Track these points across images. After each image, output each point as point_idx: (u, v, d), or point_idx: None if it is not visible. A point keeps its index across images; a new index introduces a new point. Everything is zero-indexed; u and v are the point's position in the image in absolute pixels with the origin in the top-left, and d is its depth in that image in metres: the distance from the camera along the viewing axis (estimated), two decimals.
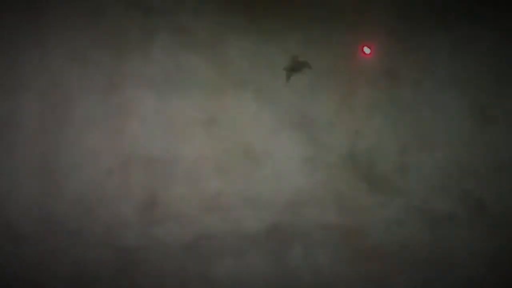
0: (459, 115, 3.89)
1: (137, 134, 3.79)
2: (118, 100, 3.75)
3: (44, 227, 3.66)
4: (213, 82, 3.86)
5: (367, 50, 3.80)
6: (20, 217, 3.63)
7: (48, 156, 3.72)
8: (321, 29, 3.92)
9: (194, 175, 3.80)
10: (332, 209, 3.80)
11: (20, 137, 3.71)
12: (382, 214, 3.84)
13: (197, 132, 3.83)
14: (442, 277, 3.91)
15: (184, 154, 3.83)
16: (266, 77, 3.84)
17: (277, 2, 3.91)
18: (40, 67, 3.74)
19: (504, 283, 3.99)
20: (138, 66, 3.77)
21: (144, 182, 3.77)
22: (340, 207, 3.82)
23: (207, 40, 3.88)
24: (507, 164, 3.98)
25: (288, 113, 3.80)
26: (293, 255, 3.77)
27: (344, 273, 3.82)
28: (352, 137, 3.82)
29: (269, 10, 3.89)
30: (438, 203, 3.87)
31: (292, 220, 3.72)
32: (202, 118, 3.83)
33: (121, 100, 3.75)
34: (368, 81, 3.83)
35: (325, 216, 3.78)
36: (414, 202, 3.83)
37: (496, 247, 3.95)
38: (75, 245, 3.64)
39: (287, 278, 3.79)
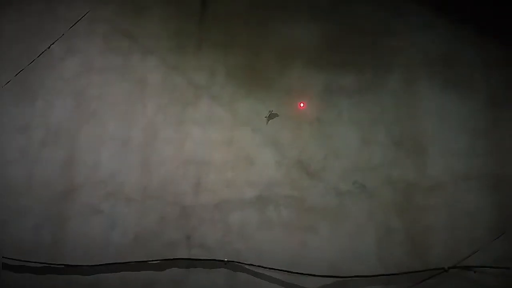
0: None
1: None
2: None
3: None
4: None
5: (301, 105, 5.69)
6: None
7: None
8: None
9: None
10: (288, 187, 5.74)
11: None
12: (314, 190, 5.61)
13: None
14: None
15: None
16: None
17: None
18: None
19: None
20: None
21: None
22: (292, 186, 5.74)
23: None
24: None
25: (266, 135, 5.87)
26: (269, 212, 5.70)
27: (295, 221, 5.56)
28: (298, 149, 5.76)
29: None
30: None
31: (268, 194, 5.73)
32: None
33: None
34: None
35: (286, 191, 5.74)
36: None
37: None
38: None
39: (265, 224, 5.63)
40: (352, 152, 5.59)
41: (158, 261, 5.21)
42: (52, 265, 5.14)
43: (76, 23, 5.47)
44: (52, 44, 4.92)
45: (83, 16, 5.36)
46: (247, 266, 5.23)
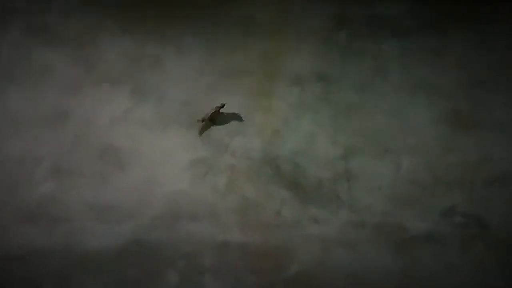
0: (430, 122, 3.35)
1: None
2: None
3: None
4: (74, 79, 3.40)
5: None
6: None
7: None
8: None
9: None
10: (232, 225, 3.08)
11: None
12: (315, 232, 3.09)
13: (39, 130, 3.27)
14: None
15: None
16: (147, 75, 3.42)
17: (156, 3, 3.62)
18: None
19: None
20: None
21: None
22: (245, 222, 3.08)
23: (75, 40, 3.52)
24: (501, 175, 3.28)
25: (175, 110, 3.31)
26: None
27: None
28: (270, 138, 3.28)
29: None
30: (405, 219, 3.17)
31: (164, 238, 3.03)
32: (49, 115, 3.30)
33: None
34: (294, 82, 3.42)
35: (220, 233, 3.06)
36: (367, 218, 3.16)
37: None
38: None
39: None
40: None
41: None
42: None
43: None
44: None
45: None
46: None
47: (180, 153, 3.22)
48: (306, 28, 3.65)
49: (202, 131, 3.27)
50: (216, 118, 3.29)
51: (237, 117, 3.32)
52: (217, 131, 3.29)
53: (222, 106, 3.28)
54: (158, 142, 3.25)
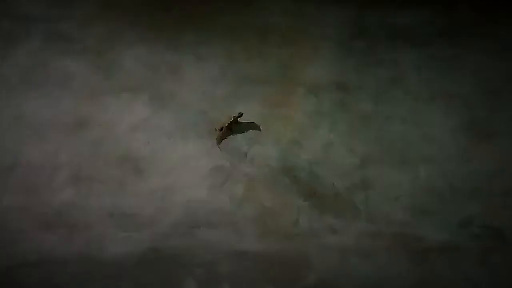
0: (447, 131, 3.34)
1: None
2: None
3: None
4: (93, 87, 3.43)
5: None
6: None
7: None
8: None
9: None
10: (250, 233, 3.06)
11: None
12: (332, 242, 3.05)
13: (59, 137, 3.27)
14: None
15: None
16: (165, 83, 3.44)
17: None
18: None
19: None
20: None
21: None
22: (263, 231, 3.06)
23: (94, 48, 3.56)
24: None
25: (193, 118, 3.32)
26: None
27: None
28: (287, 147, 3.28)
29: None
30: (422, 230, 3.12)
31: (182, 246, 3.01)
32: (69, 121, 3.31)
33: None
34: (311, 91, 3.43)
35: (239, 242, 3.03)
36: (383, 228, 3.11)
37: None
38: None
39: None
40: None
41: None
42: None
43: None
44: None
45: None
46: None
47: (198, 161, 3.22)
48: (323, 36, 3.66)
49: (220, 140, 3.28)
50: (234, 127, 3.29)
51: (254, 126, 3.32)
52: (235, 140, 3.28)
53: (240, 115, 3.28)
54: (176, 150, 3.25)
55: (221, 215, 3.10)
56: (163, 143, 3.26)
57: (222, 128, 3.26)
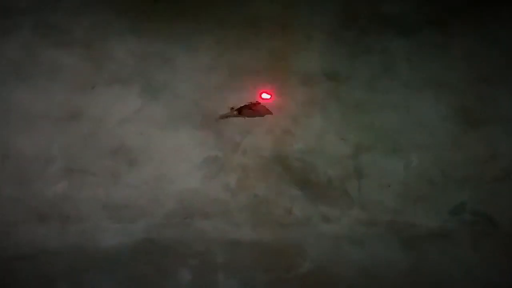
0: (439, 118, 3.33)
1: None
2: None
3: None
4: (84, 78, 3.41)
5: (266, 95, 3.41)
6: None
7: None
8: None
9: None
10: (244, 223, 3.05)
11: None
12: (326, 230, 3.05)
13: (50, 129, 3.25)
14: None
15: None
16: (157, 74, 3.42)
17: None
18: None
19: None
20: None
21: None
22: (257, 220, 3.06)
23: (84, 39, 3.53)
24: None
25: (186, 109, 3.31)
26: None
27: None
28: (280, 136, 3.27)
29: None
30: (415, 217, 3.12)
31: (177, 236, 3.00)
32: (60, 113, 3.30)
33: None
34: (303, 80, 3.42)
35: (233, 231, 3.03)
36: (376, 215, 3.12)
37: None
38: None
39: None
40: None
41: None
42: None
43: None
44: None
45: None
46: None
47: (192, 152, 3.20)
48: (313, 25, 3.63)
49: (225, 116, 3.31)
50: (244, 112, 3.31)
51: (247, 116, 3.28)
52: (229, 130, 3.27)
53: (255, 103, 3.31)
54: (169, 141, 3.23)
55: (214, 205, 3.08)
56: (156, 134, 3.22)
57: (234, 109, 3.27)
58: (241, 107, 3.32)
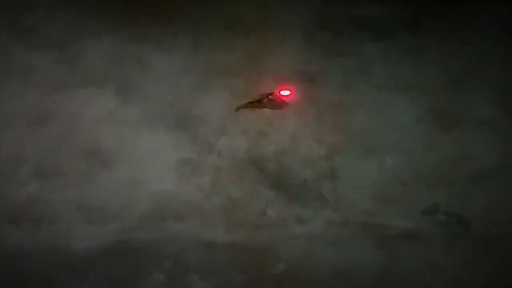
0: (412, 120, 3.33)
1: None
2: None
3: None
4: (58, 80, 3.36)
5: (285, 92, 3.41)
6: None
7: None
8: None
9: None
10: (219, 224, 3.07)
11: None
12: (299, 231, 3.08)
13: (23, 130, 3.21)
14: None
15: None
16: (131, 75, 3.37)
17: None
18: None
19: None
20: None
21: None
22: (231, 222, 3.07)
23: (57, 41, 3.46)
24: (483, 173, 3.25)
25: (160, 110, 3.29)
26: None
27: None
28: (254, 138, 3.26)
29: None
30: (388, 218, 3.15)
31: (150, 238, 3.01)
32: (33, 115, 3.26)
33: None
34: (277, 82, 3.39)
35: (207, 233, 3.04)
36: (350, 216, 3.14)
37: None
38: None
39: None
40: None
41: None
42: None
43: None
44: None
45: None
46: None
47: (166, 153, 3.19)
48: (289, 27, 3.61)
49: (244, 106, 3.32)
50: (266, 102, 3.33)
51: (222, 117, 3.28)
52: (203, 131, 3.26)
53: (271, 94, 3.32)
54: (143, 142, 3.21)
55: (189, 207, 3.09)
56: (130, 135, 3.20)
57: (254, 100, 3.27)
58: (260, 98, 3.31)
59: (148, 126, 3.26)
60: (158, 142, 3.22)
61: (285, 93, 3.41)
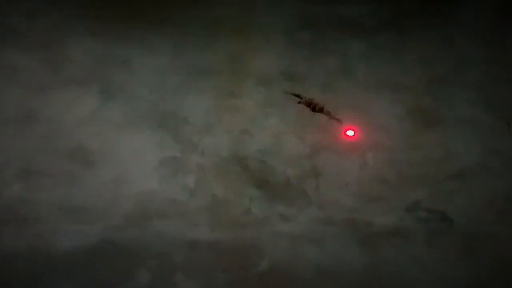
0: (395, 119, 3.36)
1: None
2: None
3: None
4: (41, 80, 3.36)
5: (350, 132, 3.39)
6: None
7: None
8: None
9: None
10: (203, 223, 3.07)
11: None
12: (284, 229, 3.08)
13: (6, 131, 3.21)
14: None
15: None
16: (115, 75, 3.38)
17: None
18: None
19: None
20: None
21: None
22: (215, 220, 3.08)
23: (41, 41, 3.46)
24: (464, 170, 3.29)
25: (143, 110, 3.30)
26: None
27: None
28: (238, 137, 3.28)
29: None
30: (371, 215, 3.16)
31: (135, 237, 3.01)
32: (16, 115, 3.25)
33: None
34: (260, 81, 3.42)
35: (191, 232, 3.05)
36: (333, 214, 3.15)
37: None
38: None
39: None
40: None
41: None
42: None
43: None
44: None
45: None
46: None
47: (149, 153, 3.20)
48: (272, 27, 3.64)
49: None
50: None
51: (205, 117, 3.30)
52: (187, 131, 3.27)
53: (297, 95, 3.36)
54: (126, 142, 3.22)
55: (173, 205, 3.09)
56: (113, 135, 3.21)
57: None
58: (320, 111, 3.35)
59: (132, 126, 3.26)
60: (142, 142, 3.22)
61: (350, 133, 3.41)
